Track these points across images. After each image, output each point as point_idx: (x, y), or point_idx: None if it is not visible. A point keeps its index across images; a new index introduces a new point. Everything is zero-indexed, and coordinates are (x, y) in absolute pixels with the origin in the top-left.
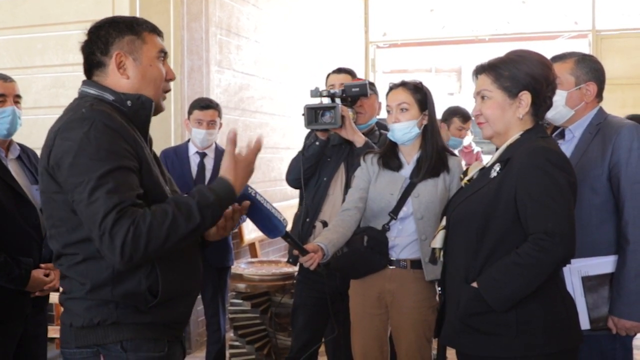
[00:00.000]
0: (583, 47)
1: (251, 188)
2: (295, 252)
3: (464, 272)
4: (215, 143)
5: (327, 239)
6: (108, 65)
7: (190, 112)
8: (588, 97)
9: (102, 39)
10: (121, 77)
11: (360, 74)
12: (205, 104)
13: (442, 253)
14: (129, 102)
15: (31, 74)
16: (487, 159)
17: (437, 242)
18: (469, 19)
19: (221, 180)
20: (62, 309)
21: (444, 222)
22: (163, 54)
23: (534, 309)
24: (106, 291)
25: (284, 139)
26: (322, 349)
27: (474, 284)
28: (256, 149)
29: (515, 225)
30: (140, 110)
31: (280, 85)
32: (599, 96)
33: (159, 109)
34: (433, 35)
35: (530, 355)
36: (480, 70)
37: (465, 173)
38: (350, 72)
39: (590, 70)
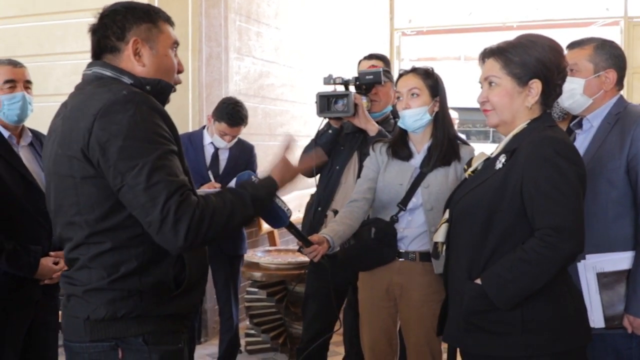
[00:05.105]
0: (615, 34)
1: (255, 177)
2: (299, 243)
3: (467, 268)
4: None
5: (333, 230)
6: (123, 51)
7: (218, 118)
8: (607, 85)
9: (119, 24)
10: (136, 64)
11: None
12: (236, 122)
13: (444, 247)
14: (148, 87)
15: (52, 61)
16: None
17: (440, 235)
18: (496, 5)
19: (271, 180)
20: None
21: (446, 215)
22: (176, 45)
23: (540, 306)
24: (134, 280)
25: (305, 127)
26: (335, 339)
27: (478, 281)
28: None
29: (521, 219)
30: (159, 96)
31: (302, 72)
32: (619, 84)
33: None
34: (459, 22)
35: (536, 355)
36: (488, 54)
37: (469, 164)
38: (381, 58)
39: (610, 56)
